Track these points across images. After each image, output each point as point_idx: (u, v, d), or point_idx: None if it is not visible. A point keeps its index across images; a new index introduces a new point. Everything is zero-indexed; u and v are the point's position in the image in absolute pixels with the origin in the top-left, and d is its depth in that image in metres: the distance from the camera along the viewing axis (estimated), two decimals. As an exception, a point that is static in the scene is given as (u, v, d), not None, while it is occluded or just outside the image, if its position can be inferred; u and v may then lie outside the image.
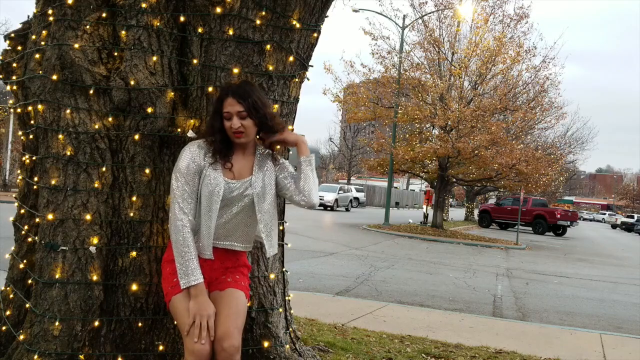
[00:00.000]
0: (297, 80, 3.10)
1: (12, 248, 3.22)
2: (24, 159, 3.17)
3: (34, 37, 3.02)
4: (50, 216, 2.74)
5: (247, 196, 2.45)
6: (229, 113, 2.39)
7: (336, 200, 32.67)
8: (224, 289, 2.42)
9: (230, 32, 2.78)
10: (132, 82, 2.72)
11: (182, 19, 2.81)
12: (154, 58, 2.74)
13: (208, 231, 2.39)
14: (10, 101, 3.35)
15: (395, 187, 55.36)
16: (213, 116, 2.45)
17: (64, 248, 2.71)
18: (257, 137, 2.54)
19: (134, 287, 2.77)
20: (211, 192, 2.37)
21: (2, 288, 3.28)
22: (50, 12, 2.83)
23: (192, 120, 2.81)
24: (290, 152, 3.32)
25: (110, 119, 2.77)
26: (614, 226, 54.14)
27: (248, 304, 2.53)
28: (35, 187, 2.97)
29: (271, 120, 2.48)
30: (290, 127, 3.19)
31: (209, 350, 2.26)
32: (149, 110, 2.74)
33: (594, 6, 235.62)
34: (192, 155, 2.39)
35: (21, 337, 2.77)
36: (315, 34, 3.08)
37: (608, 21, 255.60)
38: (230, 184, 2.41)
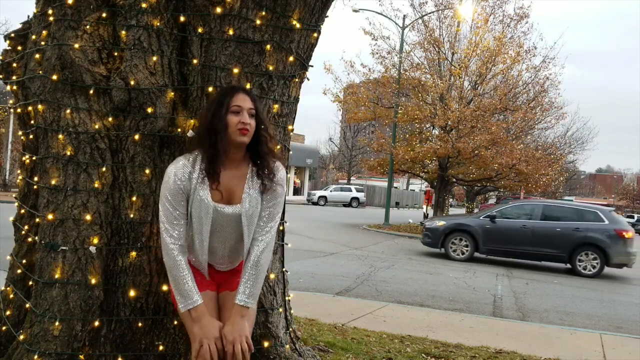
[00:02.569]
0: (297, 80, 3.10)
1: (13, 248, 3.22)
2: (24, 159, 3.17)
3: (34, 37, 3.02)
4: (50, 216, 2.74)
5: (238, 217, 2.37)
6: (239, 107, 2.32)
7: None
8: (235, 289, 2.39)
9: (230, 32, 2.78)
10: (132, 82, 2.72)
11: (182, 19, 2.81)
12: (154, 58, 2.74)
13: (202, 250, 2.36)
14: (10, 101, 3.35)
15: (395, 187, 55.38)
16: (216, 111, 2.32)
17: (64, 248, 2.71)
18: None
19: (134, 287, 2.76)
20: (200, 215, 2.31)
21: (2, 288, 3.28)
22: (50, 12, 2.83)
23: (192, 120, 2.81)
24: (291, 152, 3.31)
25: (110, 119, 2.77)
26: (614, 226, 54.04)
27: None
28: (35, 187, 2.97)
29: (269, 133, 2.42)
30: (290, 127, 3.19)
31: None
32: (149, 110, 2.74)
33: (594, 6, 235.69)
34: (177, 176, 2.29)
35: (21, 337, 2.77)
36: (315, 34, 3.07)
37: (608, 21, 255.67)
38: (218, 207, 2.33)
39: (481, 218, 13.11)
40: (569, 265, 12.25)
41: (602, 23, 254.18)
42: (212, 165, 2.31)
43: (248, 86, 2.77)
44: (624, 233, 11.92)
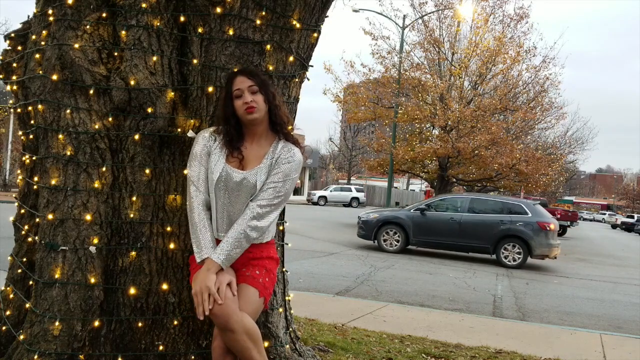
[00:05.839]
0: (297, 80, 3.10)
1: (13, 248, 3.22)
2: (24, 159, 3.17)
3: (34, 37, 3.02)
4: (50, 216, 2.74)
5: (253, 185, 2.42)
6: (239, 90, 2.42)
7: None
8: (239, 283, 2.40)
9: (230, 32, 2.78)
10: (132, 82, 2.72)
11: (182, 19, 2.81)
12: (154, 58, 2.74)
13: (215, 214, 2.43)
14: (10, 101, 3.35)
15: (395, 187, 55.35)
16: (224, 101, 2.47)
17: (64, 248, 2.71)
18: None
19: (134, 287, 2.77)
20: (212, 178, 2.41)
21: (2, 288, 3.28)
22: (50, 12, 2.83)
23: (192, 120, 2.81)
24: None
25: (110, 119, 2.77)
26: (614, 226, 54.08)
27: (264, 301, 2.47)
28: (35, 187, 2.97)
29: (278, 102, 2.49)
30: (290, 127, 3.18)
31: (227, 312, 2.25)
32: (149, 110, 2.74)
33: (594, 6, 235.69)
34: (204, 141, 2.45)
35: (21, 337, 2.77)
36: (315, 34, 3.07)
37: (608, 21, 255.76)
38: (232, 171, 2.41)
39: (412, 211, 13.42)
40: (494, 256, 12.53)
41: (602, 23, 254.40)
42: (235, 136, 2.45)
43: None
44: (546, 225, 12.23)
